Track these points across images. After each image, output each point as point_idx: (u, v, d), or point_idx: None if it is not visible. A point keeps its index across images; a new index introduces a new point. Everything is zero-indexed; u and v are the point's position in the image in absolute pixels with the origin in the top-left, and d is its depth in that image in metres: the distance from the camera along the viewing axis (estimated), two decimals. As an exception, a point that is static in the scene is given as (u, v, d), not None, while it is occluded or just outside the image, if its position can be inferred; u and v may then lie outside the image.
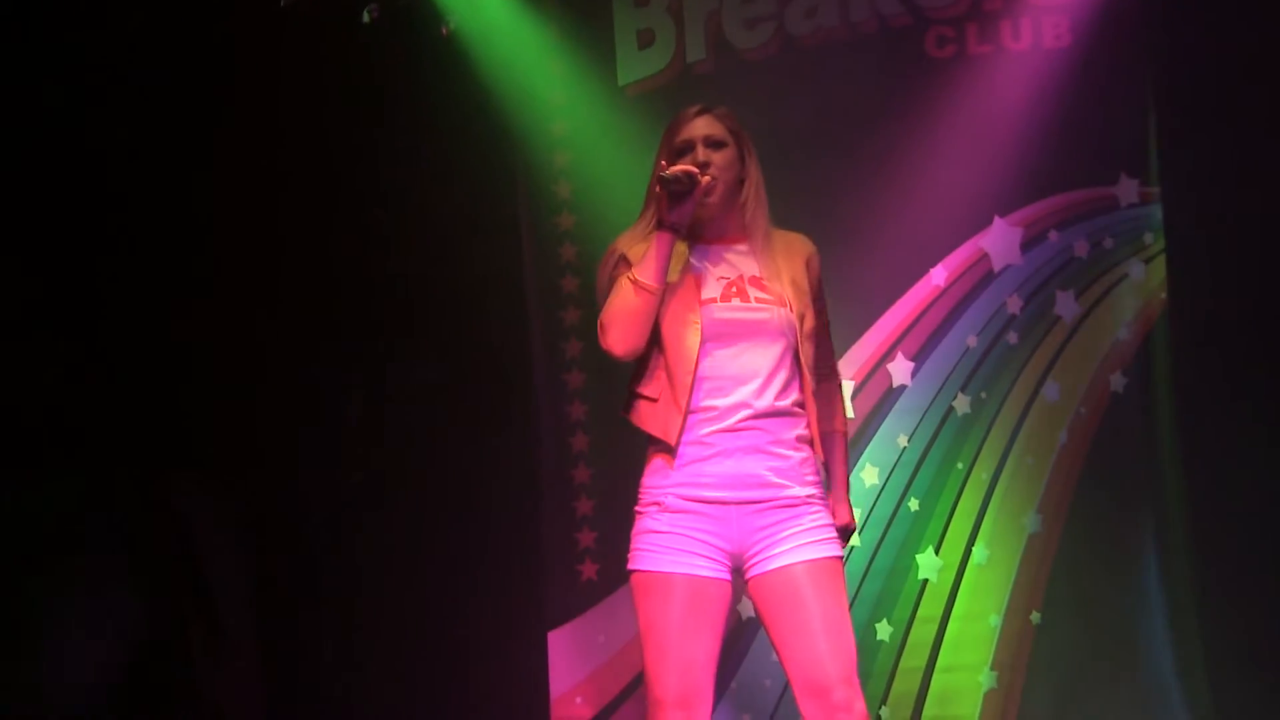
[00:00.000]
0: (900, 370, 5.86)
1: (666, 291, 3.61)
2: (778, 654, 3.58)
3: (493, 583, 5.82)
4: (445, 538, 5.80)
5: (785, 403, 3.61)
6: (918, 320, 5.78)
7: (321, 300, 5.67)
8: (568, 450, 5.89)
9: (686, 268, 3.61)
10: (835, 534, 3.63)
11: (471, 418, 5.78)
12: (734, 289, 3.62)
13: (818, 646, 3.49)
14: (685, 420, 3.53)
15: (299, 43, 5.57)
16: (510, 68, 5.80)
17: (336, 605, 5.79)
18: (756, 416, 3.56)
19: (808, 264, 3.74)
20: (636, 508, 3.67)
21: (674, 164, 3.62)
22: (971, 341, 5.78)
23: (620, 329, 3.59)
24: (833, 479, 3.74)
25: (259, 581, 5.64)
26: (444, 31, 5.73)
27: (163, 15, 5.36)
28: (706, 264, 3.67)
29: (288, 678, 5.74)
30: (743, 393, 3.59)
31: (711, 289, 3.64)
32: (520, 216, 5.94)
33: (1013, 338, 5.76)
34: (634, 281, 3.53)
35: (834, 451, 3.77)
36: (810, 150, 5.54)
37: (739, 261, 3.69)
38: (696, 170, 3.56)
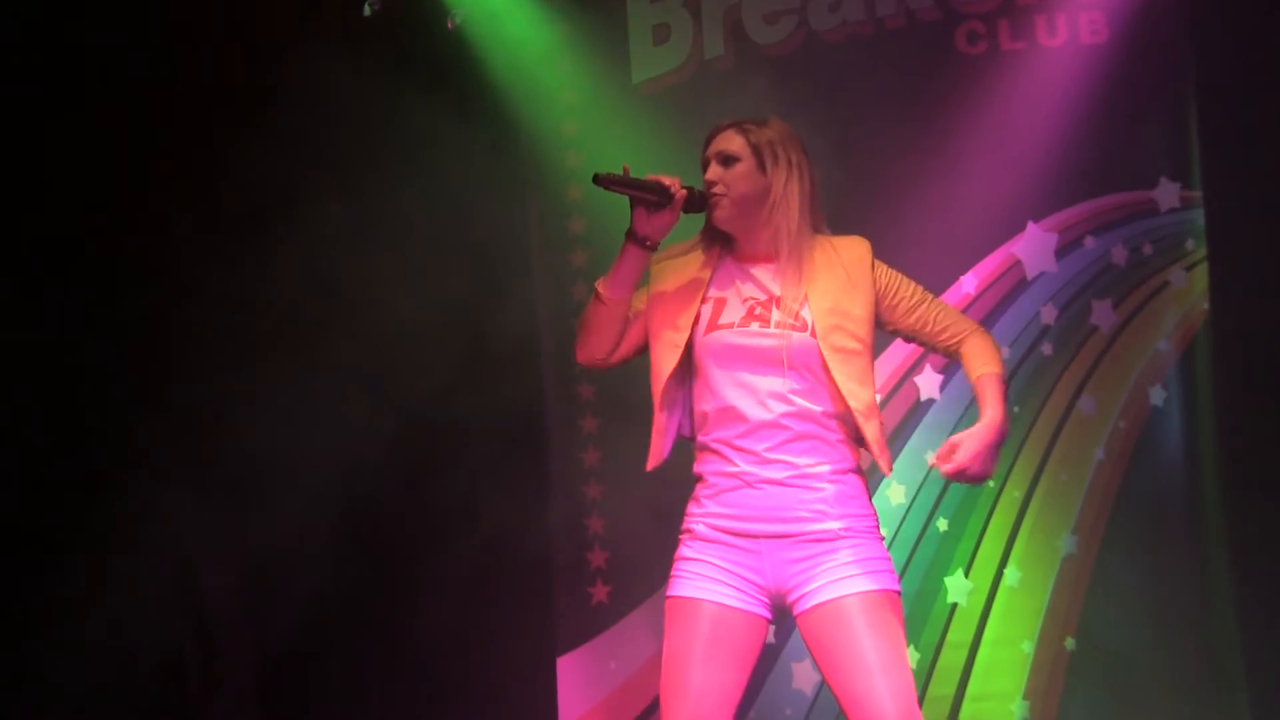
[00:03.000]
0: (928, 383, 5.71)
1: (666, 309, 3.55)
2: (833, 693, 3.49)
3: (500, 605, 5.74)
4: (450, 557, 5.69)
5: (811, 426, 3.50)
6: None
7: (316, 306, 5.54)
8: (578, 465, 5.80)
9: (710, 286, 3.54)
10: (885, 566, 3.53)
11: (478, 432, 5.63)
12: (756, 311, 3.53)
13: (874, 684, 3.40)
14: (663, 445, 3.52)
15: (295, 38, 5.49)
16: (519, 64, 5.68)
17: (341, 629, 5.70)
18: (779, 446, 3.48)
19: (862, 263, 3.61)
20: (680, 534, 3.64)
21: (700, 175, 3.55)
22: (1004, 353, 4.57)
23: (580, 336, 3.60)
24: (982, 411, 3.57)
25: (259, 605, 5.57)
26: (450, 25, 5.63)
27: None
28: (736, 284, 3.57)
29: (291, 705, 5.70)
30: (754, 421, 3.50)
31: (733, 312, 3.55)
32: (529, 221, 5.85)
33: (1047, 349, 5.58)
34: (595, 291, 3.52)
35: (985, 391, 3.61)
36: (833, 151, 5.10)
37: (769, 281, 3.59)
38: (671, 183, 3.47)
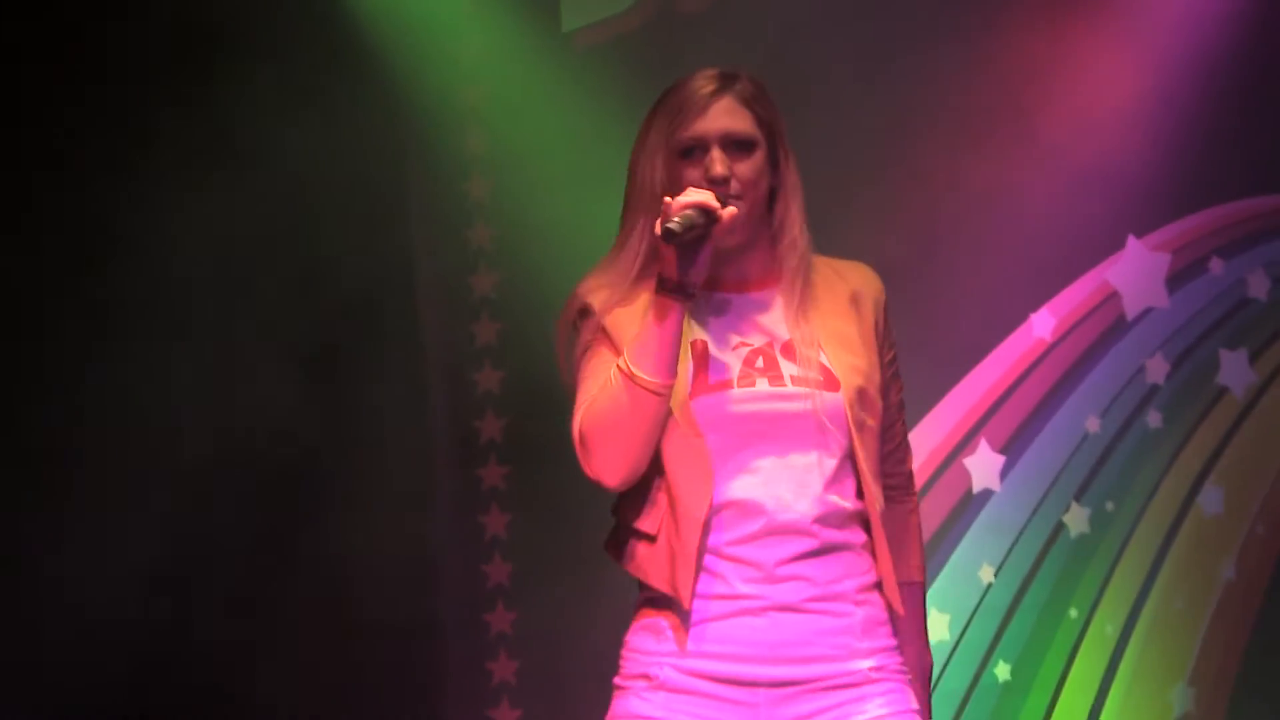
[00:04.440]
0: (984, 467, 5.19)
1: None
2: None
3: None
4: (314, 657, 5.39)
5: (837, 533, 3.15)
6: (1011, 391, 5.19)
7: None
8: (479, 534, 5.52)
9: (687, 331, 3.18)
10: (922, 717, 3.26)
11: (343, 475, 5.38)
12: (758, 363, 3.15)
13: None
14: (699, 566, 3.12)
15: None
16: (402, 13, 5.40)
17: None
18: (798, 559, 3.11)
19: (875, 306, 3.29)
20: (615, 679, 3.26)
21: (677, 180, 3.12)
22: (1092, 425, 5.12)
23: (611, 446, 3.13)
24: (901, 626, 3.31)
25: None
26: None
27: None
28: (718, 326, 3.20)
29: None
30: (774, 522, 3.12)
31: (724, 365, 3.16)
32: (413, 229, 5.53)
33: (1154, 419, 5.08)
34: (629, 376, 3.07)
35: (912, 610, 3.35)
36: (850, 131, 5.00)
37: (767, 320, 3.22)
38: (714, 201, 3.03)
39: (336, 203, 5.40)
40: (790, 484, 3.16)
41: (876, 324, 3.29)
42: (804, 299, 3.20)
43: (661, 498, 3.18)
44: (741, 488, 3.16)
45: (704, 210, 3.02)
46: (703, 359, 3.20)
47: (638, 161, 3.20)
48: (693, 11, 5.35)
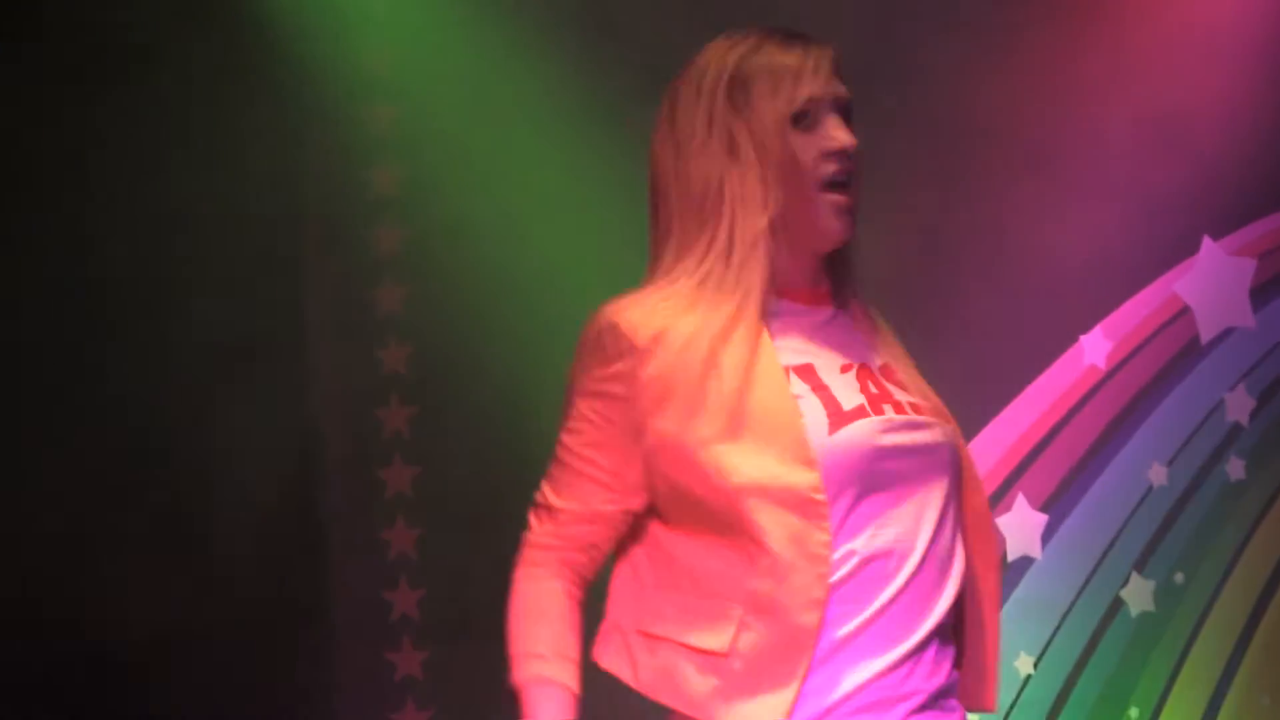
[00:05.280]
0: (1022, 529, 4.76)
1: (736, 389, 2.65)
2: None
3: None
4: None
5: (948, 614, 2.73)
6: (1056, 433, 4.76)
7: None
8: (384, 613, 4.99)
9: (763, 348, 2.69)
10: None
11: (217, 533, 4.96)
12: (872, 388, 2.69)
13: None
14: (800, 694, 2.59)
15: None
16: None
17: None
18: (918, 650, 2.62)
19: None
20: None
21: (790, 153, 2.69)
22: (1157, 476, 4.72)
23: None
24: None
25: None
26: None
27: None
28: (802, 343, 2.73)
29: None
30: (898, 590, 2.63)
31: (845, 392, 2.68)
32: (304, 232, 5.01)
33: (1235, 468, 4.70)
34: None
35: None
36: (874, 116, 3.85)
37: (841, 336, 2.76)
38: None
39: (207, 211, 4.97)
40: (928, 540, 2.79)
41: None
42: (870, 306, 2.86)
43: (722, 588, 2.72)
44: (872, 538, 2.73)
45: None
46: (819, 387, 2.75)
47: (692, 150, 2.73)
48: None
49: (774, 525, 2.64)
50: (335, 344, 5.06)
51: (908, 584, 2.68)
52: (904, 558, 2.71)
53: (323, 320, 5.06)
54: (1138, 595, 4.67)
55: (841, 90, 2.75)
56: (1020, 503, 4.69)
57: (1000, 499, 4.80)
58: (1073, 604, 4.67)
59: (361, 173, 4.98)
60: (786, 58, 2.75)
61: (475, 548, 4.66)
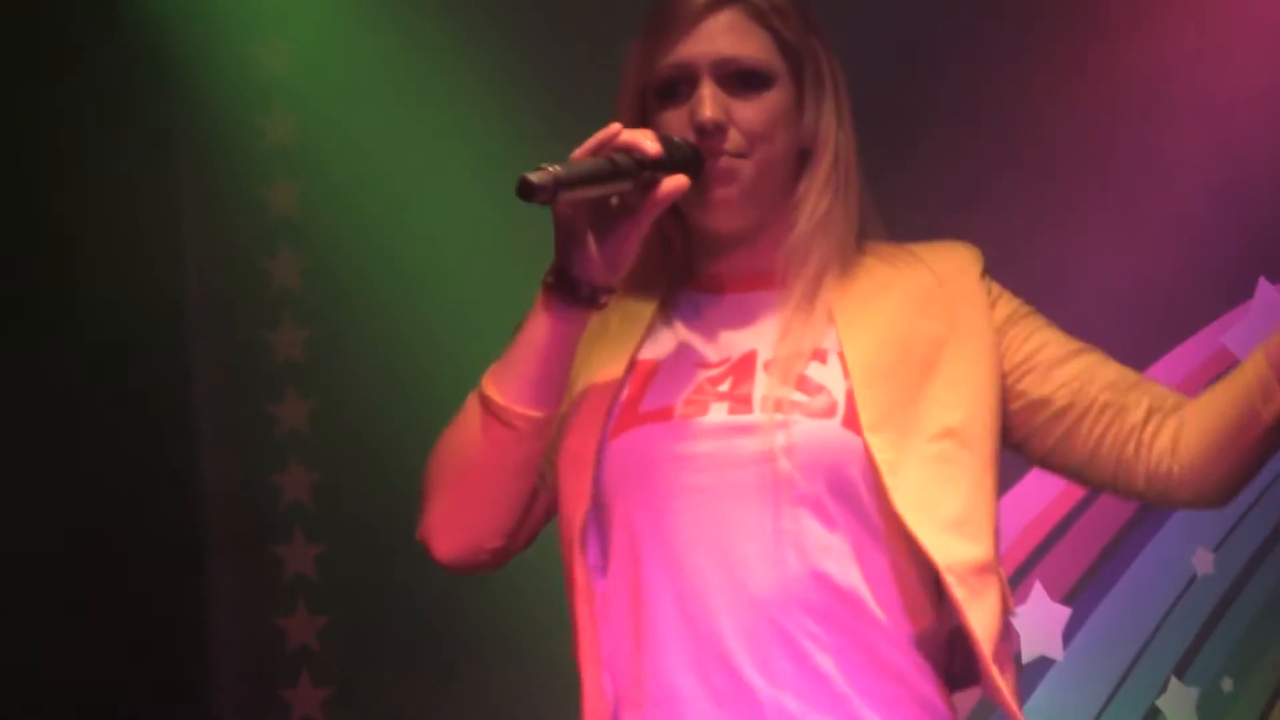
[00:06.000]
0: (1040, 625, 4.33)
1: (578, 403, 2.62)
2: None
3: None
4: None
5: (849, 641, 2.48)
6: (1081, 511, 4.30)
7: None
8: (278, 641, 4.64)
9: (645, 340, 2.65)
10: None
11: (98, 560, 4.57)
12: (721, 383, 2.56)
13: None
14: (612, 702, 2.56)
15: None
16: None
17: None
18: (785, 679, 2.45)
19: (980, 284, 2.66)
20: None
21: (632, 121, 2.59)
22: (1202, 562, 4.29)
23: (447, 493, 2.58)
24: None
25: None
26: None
27: None
28: (694, 334, 2.65)
29: None
30: (748, 621, 2.49)
31: (668, 390, 2.59)
32: (186, 223, 4.73)
33: None
34: (481, 397, 2.55)
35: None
36: (881, 125, 3.51)
37: (765, 324, 2.63)
38: (636, 140, 2.44)
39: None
40: (759, 555, 2.65)
41: (987, 300, 2.71)
42: (815, 291, 2.66)
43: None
44: (656, 574, 2.60)
45: (624, 156, 2.47)
46: (645, 381, 2.67)
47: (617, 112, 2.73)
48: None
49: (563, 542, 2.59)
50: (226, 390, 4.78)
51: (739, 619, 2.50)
52: (713, 604, 2.52)
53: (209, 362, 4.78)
54: (1178, 705, 4.21)
55: (731, 48, 2.57)
56: (1038, 593, 4.29)
57: (1015, 589, 3.88)
58: (1100, 714, 4.23)
59: (257, 191, 4.71)
60: (665, 16, 2.64)
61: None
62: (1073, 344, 2.68)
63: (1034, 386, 2.64)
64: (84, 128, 4.56)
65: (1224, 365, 4.04)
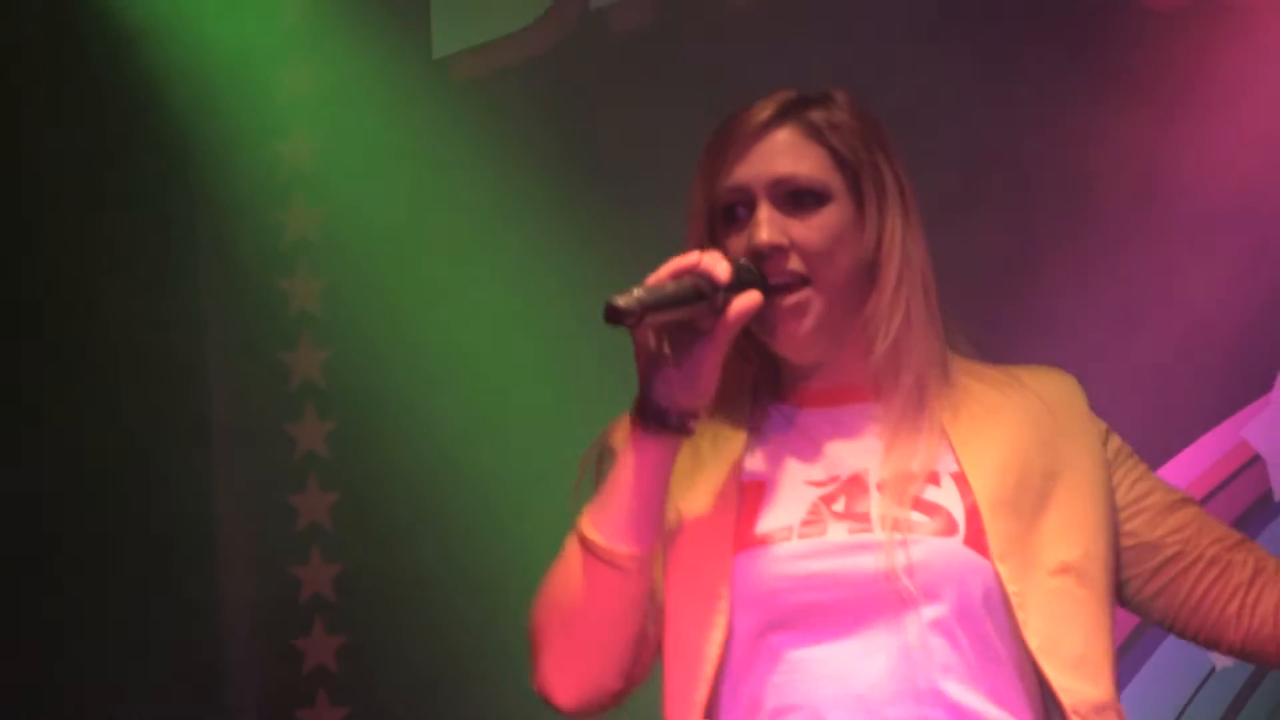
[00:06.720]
0: None
1: (689, 530, 2.62)
2: None
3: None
4: None
5: None
6: None
7: None
8: (295, 661, 4.68)
9: (745, 460, 2.64)
10: None
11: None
12: (835, 502, 2.57)
13: None
14: None
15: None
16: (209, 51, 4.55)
17: None
18: None
19: (1093, 425, 2.66)
20: None
21: (700, 243, 2.60)
22: (1221, 657, 4.06)
23: (560, 642, 2.56)
24: None
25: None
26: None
27: None
28: (794, 449, 2.65)
29: None
30: None
31: (784, 509, 2.57)
32: (210, 367, 4.77)
33: None
34: (582, 539, 2.52)
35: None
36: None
37: (869, 441, 2.62)
38: (714, 268, 2.45)
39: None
40: (873, 680, 2.64)
41: (1103, 440, 2.72)
42: (919, 407, 2.66)
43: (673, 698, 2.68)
44: (781, 686, 2.60)
45: (693, 282, 2.46)
46: (752, 500, 2.67)
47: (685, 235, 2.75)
48: (626, 29, 4.32)
49: (675, 658, 2.60)
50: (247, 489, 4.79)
51: None
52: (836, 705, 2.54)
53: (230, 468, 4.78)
54: (1196, 810, 4.27)
55: (784, 168, 2.57)
56: (1052, 684, 4.07)
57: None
58: None
59: (277, 283, 4.71)
60: (723, 139, 2.66)
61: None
62: (1177, 492, 2.70)
63: (1145, 529, 2.67)
64: (112, 219, 4.62)
65: (1244, 459, 4.14)
